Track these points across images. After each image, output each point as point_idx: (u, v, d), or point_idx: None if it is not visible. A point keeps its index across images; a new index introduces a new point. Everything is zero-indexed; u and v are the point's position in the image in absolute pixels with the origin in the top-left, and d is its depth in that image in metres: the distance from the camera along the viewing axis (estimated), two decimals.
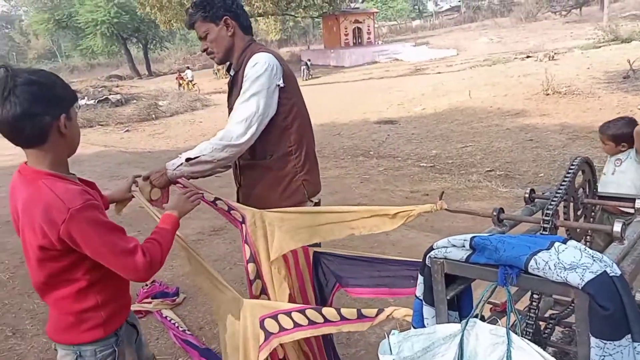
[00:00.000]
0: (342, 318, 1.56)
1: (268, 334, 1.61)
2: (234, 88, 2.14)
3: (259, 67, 1.94)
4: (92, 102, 17.82)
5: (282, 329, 1.60)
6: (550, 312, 1.48)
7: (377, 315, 1.54)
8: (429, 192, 5.87)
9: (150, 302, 3.47)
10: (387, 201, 5.75)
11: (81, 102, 18.14)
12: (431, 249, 1.16)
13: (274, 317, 1.60)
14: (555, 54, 16.74)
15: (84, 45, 37.61)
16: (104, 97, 18.54)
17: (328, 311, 1.57)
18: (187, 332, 3.10)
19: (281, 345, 1.82)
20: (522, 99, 11.00)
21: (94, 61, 45.75)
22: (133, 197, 1.92)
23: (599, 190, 1.48)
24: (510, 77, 13.70)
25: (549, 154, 7.04)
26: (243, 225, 1.89)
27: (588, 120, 8.38)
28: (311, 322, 1.58)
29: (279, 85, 1.98)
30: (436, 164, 7.38)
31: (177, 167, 1.93)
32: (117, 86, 23.35)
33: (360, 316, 1.54)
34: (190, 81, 23.84)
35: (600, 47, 17.79)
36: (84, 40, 37.03)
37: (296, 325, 1.59)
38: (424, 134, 9.46)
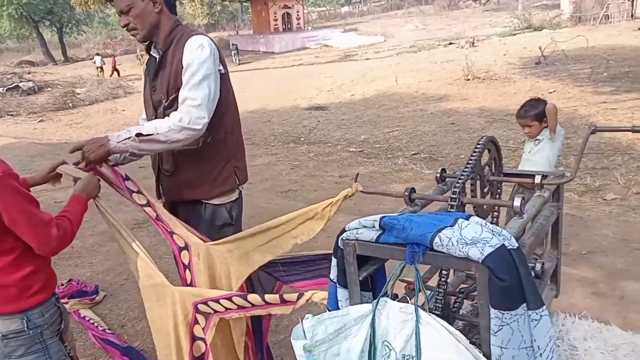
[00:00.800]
0: (266, 303, 1.59)
1: (207, 315, 1.65)
2: (160, 70, 2.02)
3: (206, 51, 1.87)
4: (0, 90, 16.37)
5: (216, 311, 1.65)
6: (462, 286, 1.54)
7: (298, 299, 1.56)
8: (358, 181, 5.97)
9: (67, 302, 3.26)
10: (317, 187, 5.79)
11: None
12: (343, 231, 1.16)
13: (205, 302, 1.64)
14: (475, 41, 17.52)
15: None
16: (14, 84, 17.06)
17: (253, 298, 1.60)
18: (107, 331, 2.95)
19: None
20: (445, 84, 11.44)
21: (1, 45, 42.04)
22: (59, 177, 1.80)
23: (519, 168, 1.55)
24: (434, 63, 14.18)
25: (469, 136, 7.38)
26: (185, 251, 1.76)
27: (504, 103, 8.87)
28: (240, 307, 1.61)
29: (220, 71, 1.94)
30: (365, 148, 7.51)
31: (123, 140, 1.79)
32: (29, 73, 21.61)
33: (283, 301, 1.57)
34: (100, 67, 22.58)
35: (515, 34, 18.83)
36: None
37: (227, 309, 1.63)
38: (353, 120, 9.58)
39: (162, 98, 2.01)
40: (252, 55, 26.65)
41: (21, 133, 11.25)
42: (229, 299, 1.61)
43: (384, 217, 1.10)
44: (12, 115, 13.61)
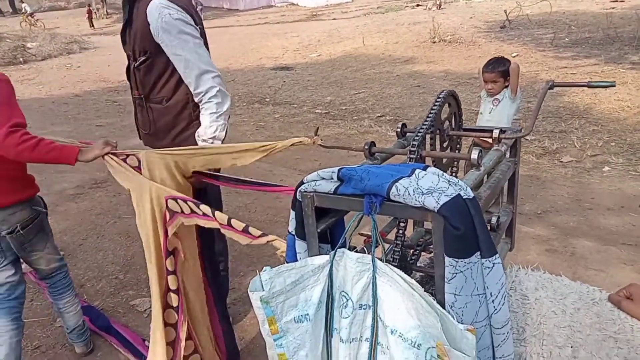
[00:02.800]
0: (229, 224, 1.64)
1: (172, 213, 1.76)
2: (127, 25, 2.11)
3: (183, 21, 1.97)
4: None
5: (182, 211, 1.75)
6: (420, 240, 1.56)
7: (259, 236, 1.59)
8: (323, 137, 5.93)
9: (23, 263, 3.16)
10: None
11: None
12: (302, 183, 1.13)
13: (175, 199, 1.74)
14: (442, 3, 17.40)
15: None
16: None
17: (219, 215, 1.66)
18: None
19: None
20: (412, 46, 11.38)
21: None
22: None
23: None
24: (401, 25, 14.05)
25: (434, 98, 7.42)
26: (133, 157, 1.86)
27: (469, 67, 8.92)
28: (204, 214, 1.69)
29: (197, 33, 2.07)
30: (330, 110, 7.45)
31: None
32: (37, 22, 20.20)
33: (245, 231, 1.61)
34: (30, 14, 21.42)
35: None
36: None
37: (192, 212, 1.72)
38: (319, 81, 9.46)
39: (131, 55, 2.13)
40: (215, 12, 25.69)
41: None
42: (197, 205, 1.70)
43: (341, 168, 1.08)
44: None
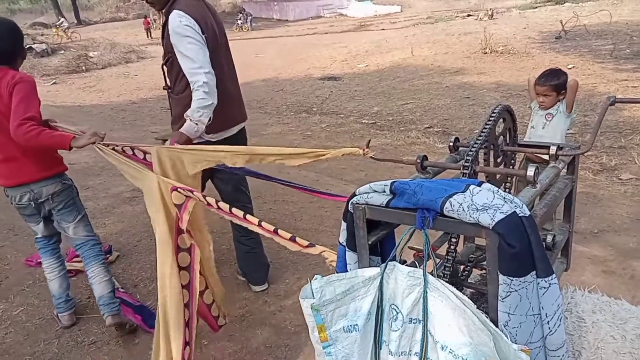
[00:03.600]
0: (276, 233, 1.68)
1: (181, 201, 1.90)
2: (164, 32, 2.54)
3: (189, 27, 2.36)
4: None
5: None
6: (471, 256, 1.54)
7: (307, 246, 1.63)
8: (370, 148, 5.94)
9: (80, 262, 3.33)
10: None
11: None
12: (354, 195, 1.15)
13: (178, 189, 1.89)
14: (494, 13, 17.07)
15: None
16: (27, 46, 17.06)
17: (266, 225, 1.72)
18: (120, 289, 3.02)
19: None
20: (462, 57, 11.21)
21: (14, 6, 41.82)
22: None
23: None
24: (451, 36, 13.88)
25: (484, 111, 7.27)
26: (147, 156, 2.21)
27: (522, 79, 8.68)
28: (220, 209, 1.83)
29: (202, 39, 2.42)
30: (377, 120, 7.44)
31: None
32: (42, 35, 21.59)
33: (292, 240, 1.65)
34: (66, 29, 22.61)
35: (537, 7, 18.32)
36: None
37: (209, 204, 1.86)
38: (366, 91, 9.47)
39: (163, 55, 2.58)
40: (265, 22, 26.27)
41: None
42: (216, 201, 1.84)
43: (394, 181, 1.09)
44: None
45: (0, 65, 2.29)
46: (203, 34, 2.40)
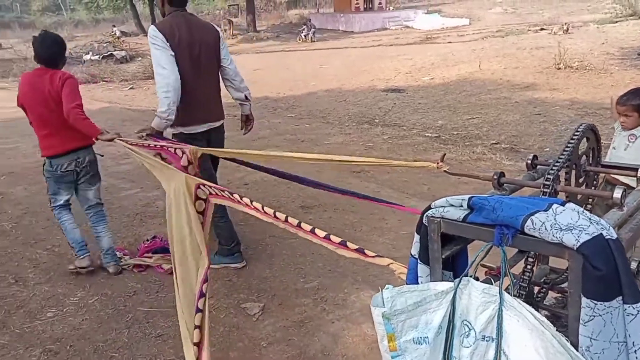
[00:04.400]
0: (344, 245, 1.67)
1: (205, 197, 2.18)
2: None
3: (154, 37, 3.02)
4: (96, 57, 17.60)
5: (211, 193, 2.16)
6: (546, 279, 1.49)
7: (375, 256, 1.62)
8: (432, 161, 5.86)
9: (150, 257, 3.52)
10: (390, 169, 5.73)
11: (86, 57, 17.94)
12: (429, 208, 1.16)
13: (203, 186, 2.17)
14: (570, 27, 16.33)
15: None
16: (109, 52, 18.30)
17: (334, 238, 1.71)
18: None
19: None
20: (533, 72, 10.80)
21: (99, 16, 44.91)
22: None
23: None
24: (522, 50, 13.41)
25: (556, 129, 6.96)
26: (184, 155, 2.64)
27: (598, 96, 8.25)
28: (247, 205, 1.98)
29: (166, 47, 3.02)
30: (441, 134, 7.32)
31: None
32: (122, 42, 23.06)
33: (360, 251, 1.64)
34: (117, 37, 23.75)
35: (617, 22, 17.32)
36: None
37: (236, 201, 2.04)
38: (430, 104, 9.35)
39: None
40: (331, 33, 26.59)
41: (114, 98, 12.05)
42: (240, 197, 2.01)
43: (472, 196, 1.09)
44: (106, 81, 14.59)
45: (47, 66, 3.11)
46: (167, 42, 2.98)
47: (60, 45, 3.19)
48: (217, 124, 3.34)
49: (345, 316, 2.87)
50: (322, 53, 18.35)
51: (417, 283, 1.20)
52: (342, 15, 28.80)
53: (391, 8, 32.26)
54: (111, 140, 2.92)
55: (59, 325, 2.87)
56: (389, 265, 1.57)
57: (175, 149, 2.72)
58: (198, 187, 2.15)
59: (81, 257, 3.34)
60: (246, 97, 3.48)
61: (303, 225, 1.76)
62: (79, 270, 3.36)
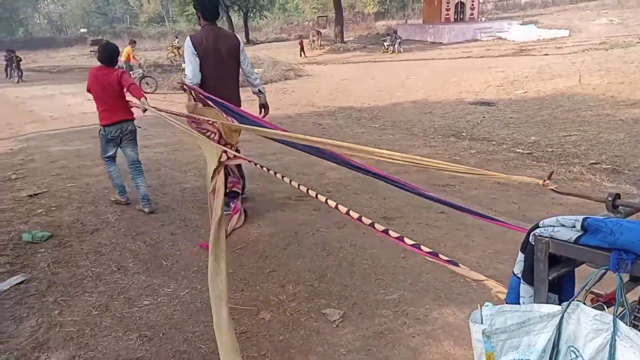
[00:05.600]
0: (435, 255, 1.71)
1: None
2: None
3: (188, 45, 4.20)
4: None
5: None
6: None
7: (470, 271, 1.58)
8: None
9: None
10: (478, 185, 5.55)
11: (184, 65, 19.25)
12: (536, 226, 1.11)
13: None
14: None
15: (189, 11, 39.53)
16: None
17: (424, 248, 1.81)
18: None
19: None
20: None
21: (198, 27, 47.96)
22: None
23: None
24: (629, 63, 12.41)
25: None
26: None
27: None
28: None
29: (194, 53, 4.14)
30: (534, 151, 6.95)
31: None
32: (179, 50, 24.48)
33: (454, 264, 1.67)
34: (179, 48, 24.53)
35: None
36: (189, 6, 38.93)
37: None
38: (523, 119, 8.92)
39: None
40: (418, 45, 26.30)
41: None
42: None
43: (587, 218, 1.03)
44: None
45: (107, 65, 4.51)
46: (196, 50, 4.08)
47: (116, 51, 4.69)
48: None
49: (427, 332, 2.81)
50: (409, 64, 18.19)
51: (518, 303, 1.16)
52: (430, 26, 28.40)
53: (483, 19, 31.29)
54: (147, 110, 4.15)
55: (153, 313, 3.09)
56: (483, 281, 1.52)
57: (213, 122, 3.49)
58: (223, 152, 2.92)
59: (121, 196, 4.88)
60: (260, 90, 4.66)
61: (376, 225, 1.88)
62: (119, 201, 4.91)
